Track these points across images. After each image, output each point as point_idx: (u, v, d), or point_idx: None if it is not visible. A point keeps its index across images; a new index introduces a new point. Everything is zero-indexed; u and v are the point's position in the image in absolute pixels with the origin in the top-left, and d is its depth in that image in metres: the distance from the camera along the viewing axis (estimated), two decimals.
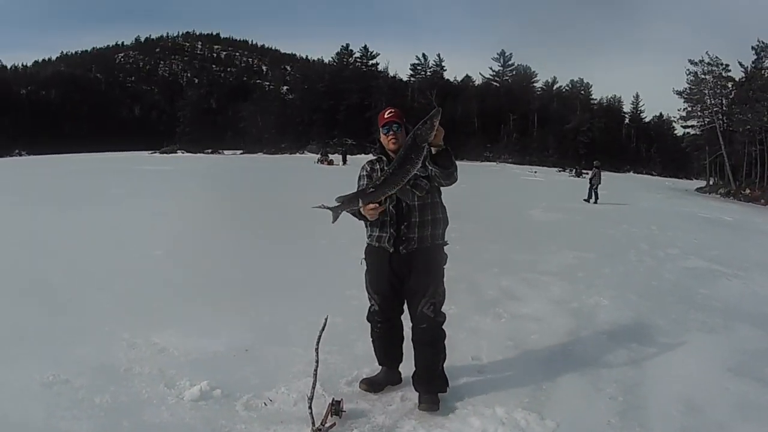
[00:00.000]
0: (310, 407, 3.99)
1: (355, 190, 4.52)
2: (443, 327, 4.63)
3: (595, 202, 27.47)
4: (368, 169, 4.72)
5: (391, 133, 4.51)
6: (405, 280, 4.59)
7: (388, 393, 4.86)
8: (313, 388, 4.09)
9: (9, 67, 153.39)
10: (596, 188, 28.30)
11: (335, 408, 4.29)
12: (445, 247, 4.72)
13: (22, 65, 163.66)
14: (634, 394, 5.24)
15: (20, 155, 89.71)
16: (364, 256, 4.81)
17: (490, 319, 7.21)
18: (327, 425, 4.12)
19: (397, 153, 4.32)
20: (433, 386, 4.63)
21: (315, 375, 4.12)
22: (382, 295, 4.69)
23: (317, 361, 4.12)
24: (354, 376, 5.11)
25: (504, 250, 11.89)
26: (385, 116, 4.56)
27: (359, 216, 4.50)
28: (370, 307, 4.81)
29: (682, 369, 5.98)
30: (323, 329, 4.22)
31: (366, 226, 4.69)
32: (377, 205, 4.28)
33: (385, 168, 4.49)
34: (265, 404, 4.56)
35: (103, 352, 5.37)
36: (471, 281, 8.97)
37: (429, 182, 4.47)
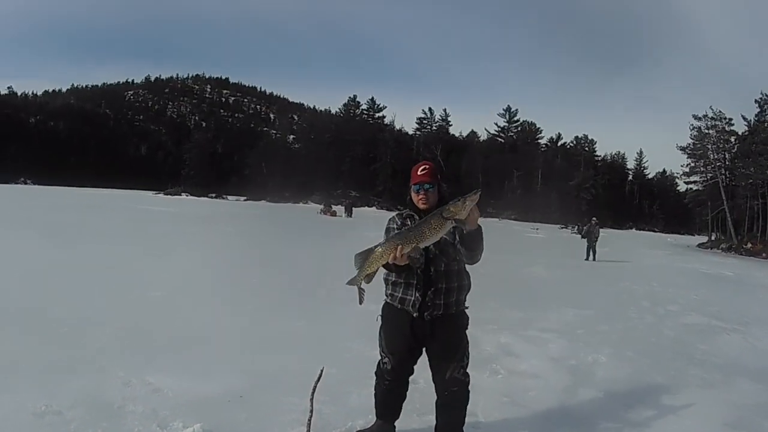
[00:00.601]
0: None
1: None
2: (468, 392, 4.61)
3: (594, 260, 26.94)
4: (398, 223, 4.58)
5: (422, 192, 4.41)
6: (425, 343, 4.53)
7: None
8: None
9: (20, 94, 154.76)
10: (594, 245, 27.59)
11: None
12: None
13: (33, 93, 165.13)
14: None
15: (25, 183, 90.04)
16: (381, 313, 4.71)
17: (487, 375, 7.13)
18: None
19: (427, 213, 4.22)
20: None
21: (309, 424, 4.10)
22: (399, 356, 4.60)
23: (311, 411, 4.10)
24: (347, 428, 5.04)
25: (502, 306, 11.71)
26: (418, 173, 4.44)
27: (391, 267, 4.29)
28: (380, 363, 4.72)
29: (678, 426, 5.96)
30: (319, 379, 4.21)
31: (387, 284, 4.60)
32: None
33: (408, 223, 4.44)
34: None
35: (98, 388, 5.36)
36: (469, 337, 8.96)
37: (455, 252, 4.39)
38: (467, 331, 4.64)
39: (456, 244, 4.30)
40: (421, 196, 4.40)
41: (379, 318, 4.70)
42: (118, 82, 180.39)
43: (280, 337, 7.97)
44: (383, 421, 4.85)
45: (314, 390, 4.19)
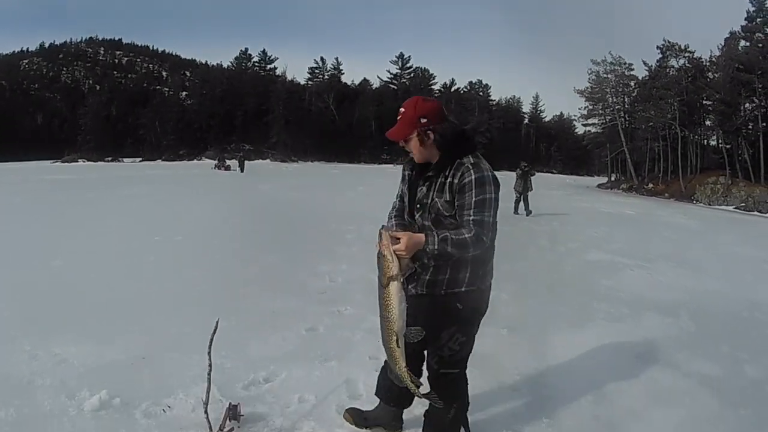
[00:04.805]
0: (206, 412, 3.90)
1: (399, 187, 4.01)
2: (451, 383, 3.91)
3: (528, 215, 21.92)
4: (405, 170, 3.97)
5: (406, 151, 3.80)
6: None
7: (286, 395, 4.83)
8: (208, 392, 3.99)
9: None
10: (527, 196, 22.42)
11: (232, 412, 4.23)
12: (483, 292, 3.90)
13: None
14: (539, 386, 5.33)
15: None
16: None
17: None
18: (225, 430, 4.07)
19: (426, 165, 3.72)
20: (425, 429, 4.06)
21: (209, 380, 4.03)
22: None
23: (210, 365, 4.03)
24: (250, 380, 5.06)
25: None
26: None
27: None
28: None
29: (589, 359, 6.15)
30: (214, 332, 4.12)
31: None
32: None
33: (410, 174, 3.89)
34: (164, 411, 4.47)
35: (6, 364, 5.22)
36: (367, 281, 8.99)
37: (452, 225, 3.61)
38: (465, 323, 3.83)
39: (455, 214, 3.56)
40: (409, 154, 3.79)
41: None
42: (13, 51, 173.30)
43: (179, 296, 7.84)
44: (384, 403, 4.39)
45: (211, 343, 4.11)
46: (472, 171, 3.49)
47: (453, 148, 3.61)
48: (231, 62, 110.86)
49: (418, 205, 3.74)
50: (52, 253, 10.30)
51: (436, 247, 3.42)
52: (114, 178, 38.10)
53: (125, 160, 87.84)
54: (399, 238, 3.41)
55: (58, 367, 5.23)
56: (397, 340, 3.44)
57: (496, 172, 3.61)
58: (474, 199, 3.45)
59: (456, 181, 3.53)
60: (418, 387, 3.66)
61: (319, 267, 9.97)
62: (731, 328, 7.71)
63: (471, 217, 3.45)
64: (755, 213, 40.42)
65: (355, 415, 4.41)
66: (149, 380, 4.99)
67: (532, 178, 23.04)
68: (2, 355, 5.47)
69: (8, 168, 55.05)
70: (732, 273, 11.98)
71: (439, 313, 3.74)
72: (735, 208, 43.46)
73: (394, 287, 3.35)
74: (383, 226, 3.58)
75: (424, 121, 3.58)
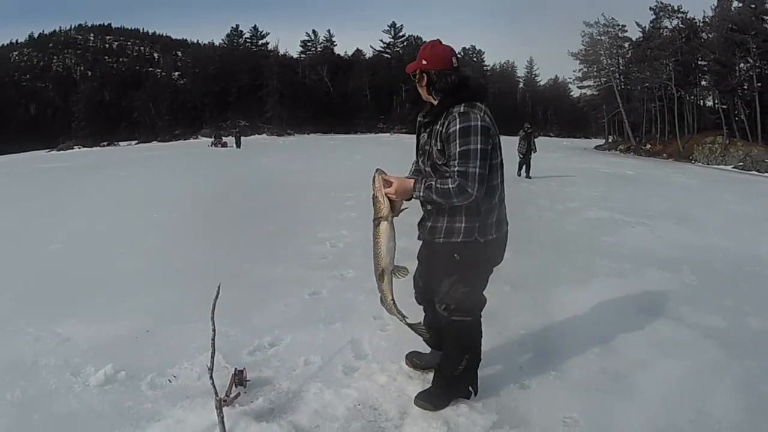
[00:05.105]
0: (211, 378, 3.86)
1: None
2: (465, 332, 3.97)
3: (528, 177, 21.55)
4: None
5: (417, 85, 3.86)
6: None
7: (292, 359, 4.82)
8: (212, 358, 3.95)
9: None
10: (530, 158, 21.96)
11: (239, 378, 4.23)
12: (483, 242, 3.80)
13: None
14: (545, 340, 5.32)
15: None
16: None
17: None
18: (232, 395, 4.06)
19: (431, 107, 3.81)
20: (433, 385, 4.15)
21: (213, 345, 4.00)
22: (415, 279, 4.36)
23: (214, 331, 4.01)
24: (255, 345, 5.06)
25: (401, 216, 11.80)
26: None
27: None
28: None
29: (593, 314, 6.14)
30: (216, 298, 4.10)
31: None
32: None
33: (421, 120, 3.92)
34: (169, 381, 4.46)
35: (10, 349, 5.18)
36: (368, 244, 8.99)
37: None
38: (465, 273, 3.84)
39: (447, 162, 3.59)
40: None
41: None
42: (2, 44, 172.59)
43: (179, 270, 7.84)
44: (435, 349, 4.48)
45: (213, 307, 4.09)
46: (457, 120, 3.50)
47: (445, 96, 3.67)
48: (222, 40, 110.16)
49: (420, 151, 3.89)
50: (50, 238, 10.26)
51: (421, 193, 3.59)
52: (110, 162, 37.89)
53: (121, 143, 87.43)
54: (391, 182, 3.65)
55: (62, 347, 5.21)
56: (383, 275, 3.82)
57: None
58: (458, 149, 3.47)
59: (443, 129, 3.57)
60: (404, 318, 3.98)
61: (319, 234, 9.95)
62: (733, 281, 7.70)
63: (455, 168, 3.48)
64: (753, 172, 40.39)
65: (412, 358, 4.63)
66: (154, 353, 4.99)
67: (535, 140, 22.87)
68: (6, 340, 5.44)
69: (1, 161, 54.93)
70: (733, 229, 11.99)
71: (440, 261, 3.87)
72: (733, 167, 43.52)
73: (384, 227, 3.73)
74: (377, 169, 3.74)
75: (424, 63, 3.70)
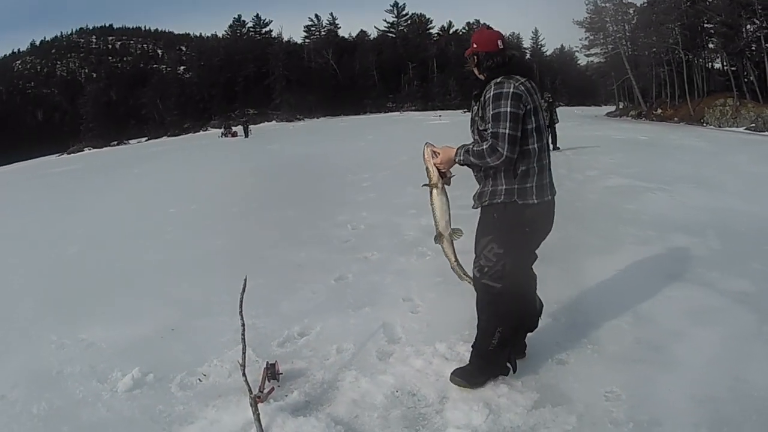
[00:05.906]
0: (243, 375, 3.79)
1: None
2: (494, 299, 3.98)
3: (556, 148, 19.90)
4: None
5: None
6: None
7: (324, 347, 4.76)
8: (244, 354, 3.88)
9: None
10: (554, 128, 20.50)
11: (271, 372, 4.16)
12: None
13: None
14: (578, 313, 5.25)
15: None
16: None
17: (414, 259, 7.17)
18: (266, 391, 3.98)
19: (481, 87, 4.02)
20: (470, 362, 4.16)
21: (243, 341, 3.93)
22: None
23: (243, 325, 3.93)
24: (285, 336, 5.00)
25: (417, 192, 11.76)
26: None
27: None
28: None
29: (623, 283, 6.05)
30: (243, 290, 4.03)
31: None
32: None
33: (476, 94, 4.04)
34: (199, 380, 4.40)
35: (34, 359, 5.11)
36: (390, 225, 9.02)
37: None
38: (500, 234, 3.94)
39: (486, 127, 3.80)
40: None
41: None
42: (5, 55, 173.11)
43: (201, 264, 7.82)
44: None
45: (241, 302, 4.01)
46: (492, 88, 3.79)
47: (489, 72, 3.98)
48: (225, 31, 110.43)
49: (471, 122, 4.12)
50: (68, 241, 10.31)
51: (461, 158, 3.93)
52: (121, 161, 38.12)
53: (131, 141, 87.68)
54: (437, 153, 4.10)
55: (87, 352, 5.16)
56: (441, 237, 4.25)
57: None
58: (491, 113, 3.74)
59: (482, 98, 3.87)
60: (469, 278, 4.25)
61: (338, 217, 9.95)
62: (759, 244, 7.52)
63: (489, 131, 3.75)
64: (766, 133, 40.00)
65: None
66: (181, 351, 4.93)
67: (557, 109, 22.41)
68: (29, 349, 5.40)
69: (10, 169, 55.16)
70: (752, 191, 11.77)
71: (482, 221, 4.09)
72: (745, 129, 43.14)
73: (435, 193, 4.15)
74: (426, 143, 4.19)
75: (475, 46, 4.07)
